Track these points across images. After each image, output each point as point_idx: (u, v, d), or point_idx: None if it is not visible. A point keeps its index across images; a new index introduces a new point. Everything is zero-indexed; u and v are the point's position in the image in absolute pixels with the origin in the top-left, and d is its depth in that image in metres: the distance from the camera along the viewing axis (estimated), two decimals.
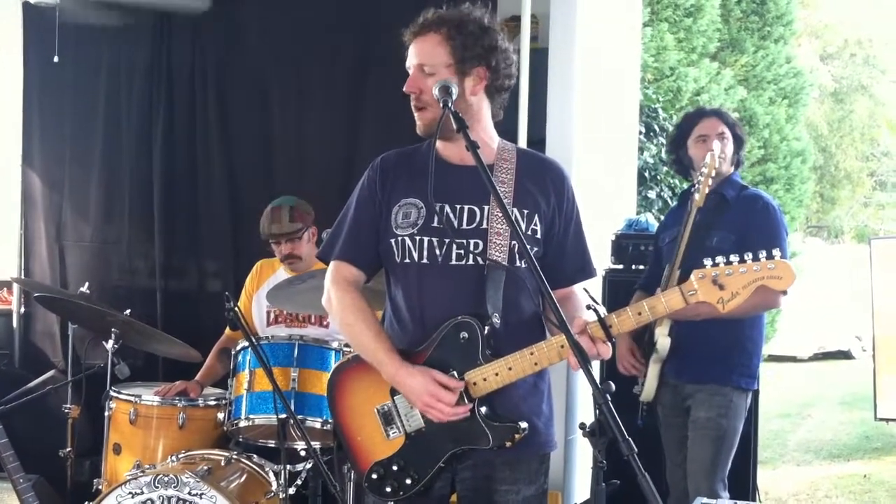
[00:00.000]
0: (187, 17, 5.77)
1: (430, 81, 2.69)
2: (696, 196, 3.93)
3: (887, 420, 7.88)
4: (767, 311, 4.54)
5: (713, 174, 3.92)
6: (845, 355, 16.80)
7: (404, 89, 2.74)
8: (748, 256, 2.41)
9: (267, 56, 5.70)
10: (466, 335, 2.65)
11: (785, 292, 2.93)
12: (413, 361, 2.68)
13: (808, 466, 8.57)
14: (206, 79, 5.80)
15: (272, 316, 4.58)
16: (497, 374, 2.60)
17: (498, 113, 2.87)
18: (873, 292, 7.79)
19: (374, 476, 2.73)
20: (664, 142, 8.47)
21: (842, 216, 24.08)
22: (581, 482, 5.34)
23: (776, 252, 2.41)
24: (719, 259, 2.43)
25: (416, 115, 2.77)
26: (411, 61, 2.76)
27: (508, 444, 2.63)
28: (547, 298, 2.42)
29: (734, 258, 2.42)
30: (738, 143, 4.21)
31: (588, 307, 2.52)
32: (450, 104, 2.60)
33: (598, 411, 2.23)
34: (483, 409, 2.64)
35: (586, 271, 2.90)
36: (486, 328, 2.64)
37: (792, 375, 14.55)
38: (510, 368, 2.60)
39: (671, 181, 9.41)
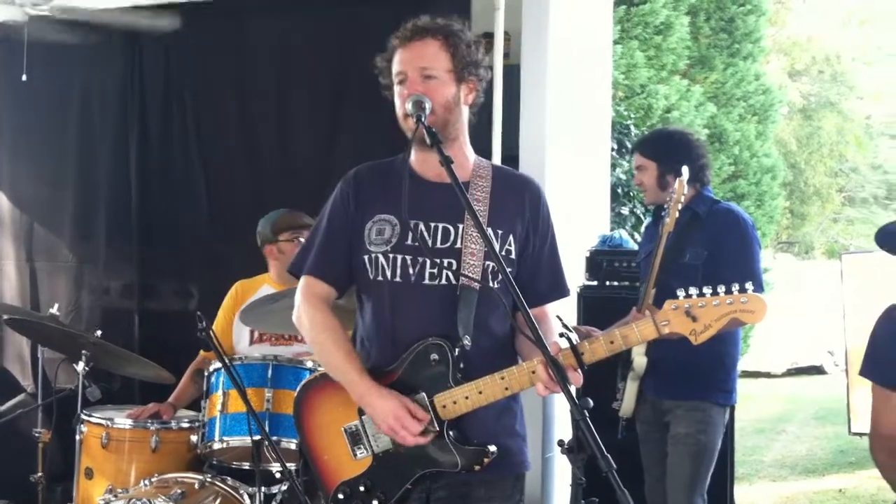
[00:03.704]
0: (159, 34, 5.73)
1: (432, 84, 2.67)
2: (667, 220, 3.94)
3: (861, 434, 7.91)
4: (740, 327, 4.55)
5: (682, 199, 3.93)
6: (818, 370, 16.88)
7: (406, 92, 2.68)
8: (721, 289, 2.40)
9: (241, 73, 5.68)
10: (437, 357, 2.62)
11: None
12: (382, 382, 2.65)
13: (784, 482, 8.59)
14: (182, 96, 5.77)
15: (255, 335, 4.50)
16: (467, 398, 2.57)
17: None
18: (845, 307, 7.84)
19: (340, 496, 2.70)
20: None
21: (812, 232, 24.26)
22: (559, 500, 5.31)
23: (749, 285, 2.41)
24: (692, 290, 2.42)
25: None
26: (407, 66, 2.70)
27: (477, 467, 2.60)
28: (524, 316, 2.39)
29: (707, 290, 2.41)
30: (675, 163, 4.07)
31: (561, 334, 2.50)
32: (423, 119, 2.58)
33: (576, 428, 2.21)
34: (452, 433, 2.61)
35: (559, 290, 2.88)
36: (457, 350, 2.61)
37: (766, 391, 14.60)
38: (480, 392, 2.57)
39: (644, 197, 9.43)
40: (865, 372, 3.04)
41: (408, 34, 2.73)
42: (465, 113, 2.80)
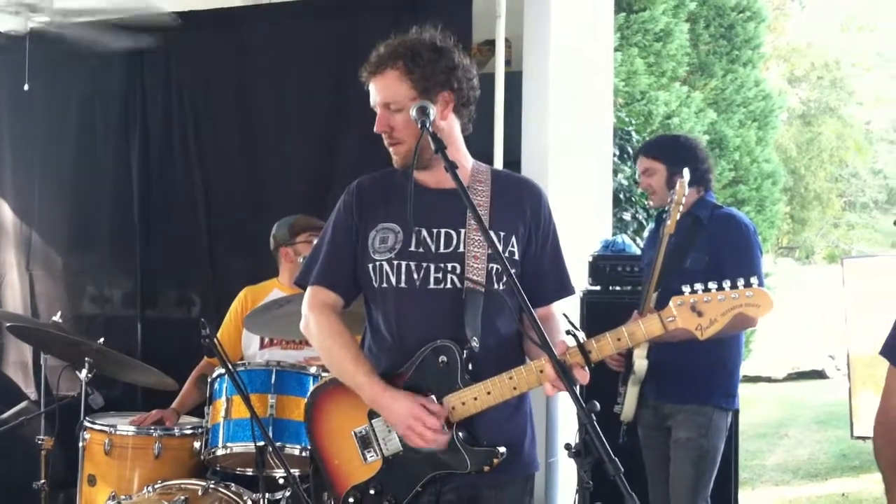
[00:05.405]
0: (159, 43, 5.73)
1: (398, 117, 2.70)
2: (668, 222, 3.95)
3: (864, 438, 7.89)
4: (745, 329, 4.55)
5: (682, 201, 3.94)
6: (819, 375, 16.86)
7: (375, 129, 2.75)
8: (726, 284, 2.41)
9: (241, 80, 5.67)
10: (445, 359, 2.64)
11: None
12: (392, 385, 2.65)
13: (787, 486, 8.58)
14: (182, 105, 5.76)
15: (265, 340, 4.47)
16: (476, 399, 2.59)
17: (467, 126, 2.85)
18: (847, 312, 7.82)
19: (351, 500, 2.71)
20: None
21: (812, 237, 24.29)
22: None
23: (754, 280, 2.42)
24: (698, 286, 2.43)
25: (391, 150, 2.77)
26: (375, 100, 2.75)
27: (486, 468, 2.61)
28: (529, 318, 2.40)
29: (712, 285, 2.42)
30: (683, 165, 4.08)
31: (567, 332, 2.51)
32: (428, 125, 2.59)
33: (583, 431, 2.21)
34: (461, 434, 2.62)
35: (565, 289, 2.90)
36: (465, 352, 2.63)
37: (767, 396, 14.59)
38: (489, 393, 2.58)
39: (646, 202, 9.43)
40: (886, 352, 3.04)
41: (371, 68, 2.76)
42: (451, 123, 2.78)
